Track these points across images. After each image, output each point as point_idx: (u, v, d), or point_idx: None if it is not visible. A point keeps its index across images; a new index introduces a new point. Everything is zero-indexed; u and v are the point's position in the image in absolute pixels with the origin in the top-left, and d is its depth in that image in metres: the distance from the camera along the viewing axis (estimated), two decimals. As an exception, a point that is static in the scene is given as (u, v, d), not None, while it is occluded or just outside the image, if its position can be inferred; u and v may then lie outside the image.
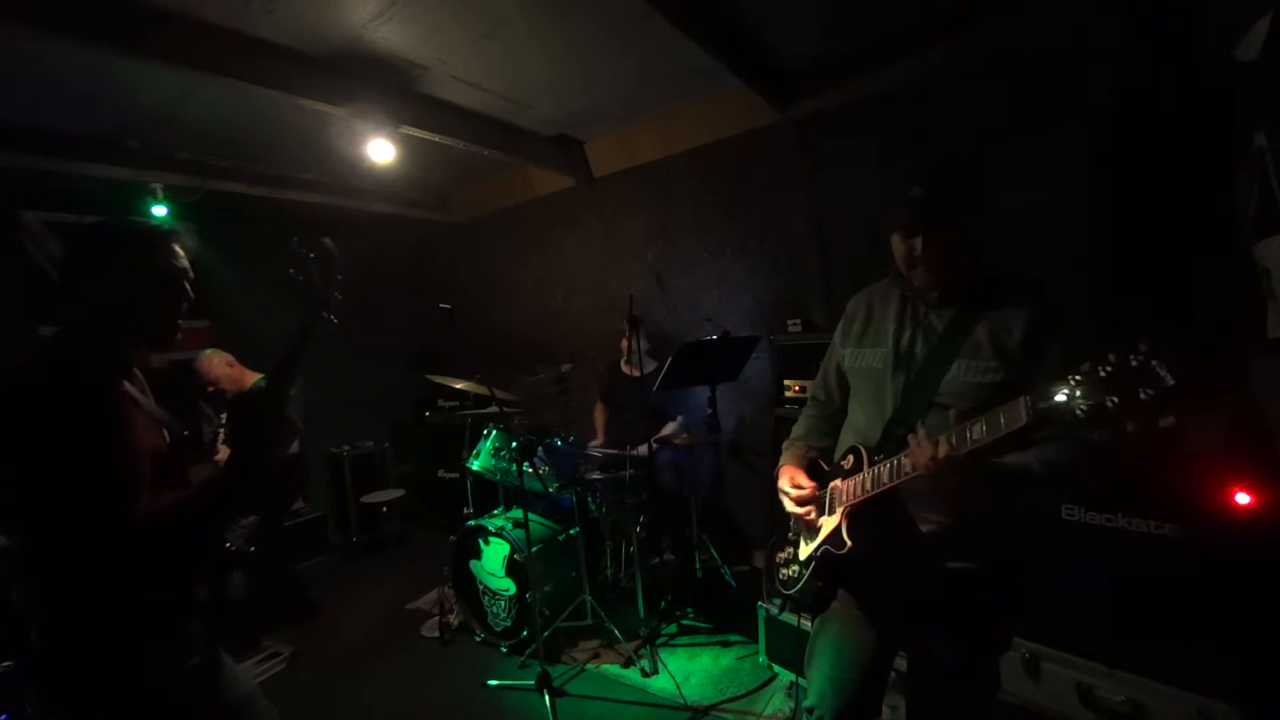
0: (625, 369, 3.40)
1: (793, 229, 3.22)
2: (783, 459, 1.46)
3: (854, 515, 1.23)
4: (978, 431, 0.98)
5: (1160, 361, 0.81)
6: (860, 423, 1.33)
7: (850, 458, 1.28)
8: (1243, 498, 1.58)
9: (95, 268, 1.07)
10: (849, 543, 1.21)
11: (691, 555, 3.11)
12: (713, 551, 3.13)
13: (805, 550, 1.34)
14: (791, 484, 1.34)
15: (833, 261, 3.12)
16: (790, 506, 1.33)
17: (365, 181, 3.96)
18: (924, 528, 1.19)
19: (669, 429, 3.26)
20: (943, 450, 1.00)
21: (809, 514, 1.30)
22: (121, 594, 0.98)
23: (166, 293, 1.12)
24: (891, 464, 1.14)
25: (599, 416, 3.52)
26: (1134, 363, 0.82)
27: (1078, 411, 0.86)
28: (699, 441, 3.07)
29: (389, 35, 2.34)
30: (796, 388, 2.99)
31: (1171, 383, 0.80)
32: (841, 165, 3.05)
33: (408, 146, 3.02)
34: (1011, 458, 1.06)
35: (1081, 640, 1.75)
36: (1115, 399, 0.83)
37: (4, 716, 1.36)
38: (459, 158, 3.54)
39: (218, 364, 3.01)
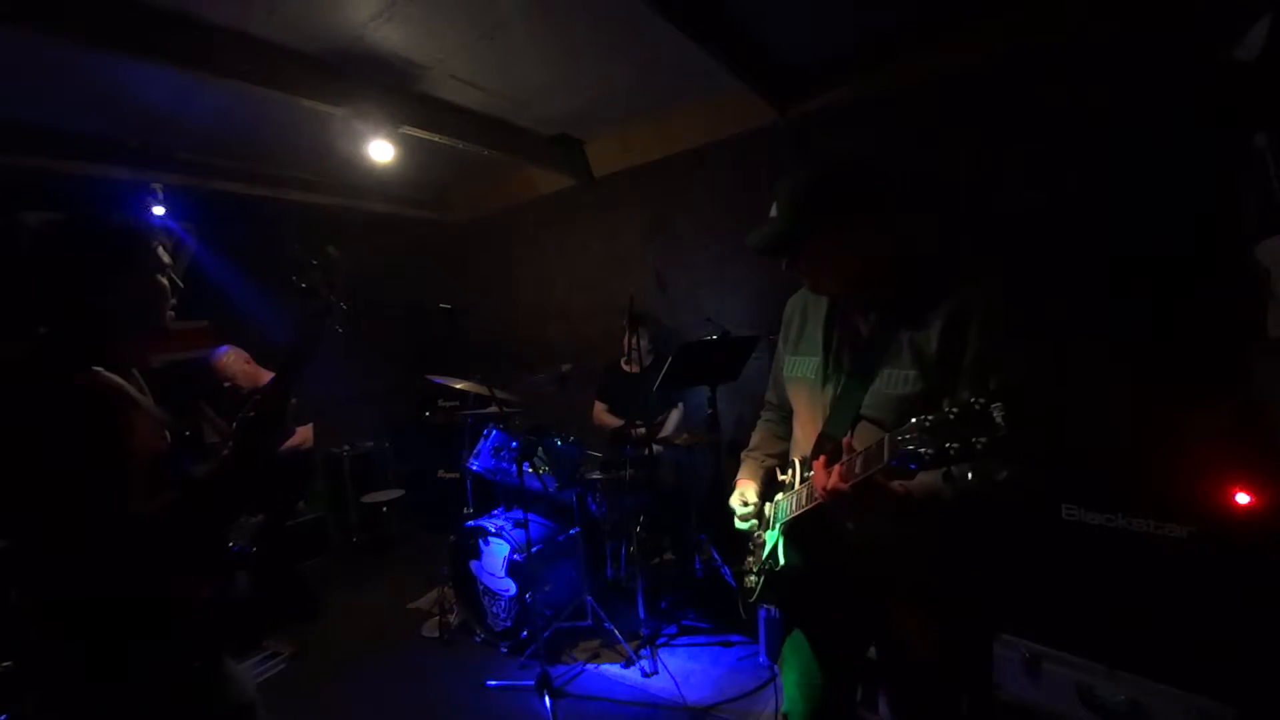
0: (625, 367, 3.40)
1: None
2: (740, 471, 1.46)
3: (791, 531, 1.22)
4: (859, 464, 0.96)
5: (1001, 408, 0.76)
6: (798, 435, 1.31)
7: (789, 472, 1.27)
8: (1243, 498, 1.58)
9: (65, 266, 1.05)
10: (781, 560, 1.22)
11: (691, 555, 3.11)
12: (713, 551, 3.13)
13: (758, 564, 1.35)
14: (739, 501, 1.36)
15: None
16: (739, 524, 1.35)
17: (365, 181, 3.96)
18: (857, 541, 1.17)
19: (671, 419, 3.26)
20: (832, 480, 1.00)
21: (755, 530, 1.32)
22: (122, 594, 0.98)
23: (143, 289, 1.11)
24: (809, 485, 1.14)
25: (600, 416, 3.52)
26: (976, 407, 0.78)
27: (923, 453, 0.82)
28: (699, 441, 3.06)
29: (389, 35, 2.34)
30: (796, 388, 2.99)
31: (1005, 432, 0.76)
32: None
33: (407, 146, 3.02)
34: (922, 479, 0.96)
35: (1081, 640, 1.75)
36: (954, 445, 0.80)
37: (4, 717, 1.36)
38: (459, 158, 3.54)
39: (235, 361, 3.05)
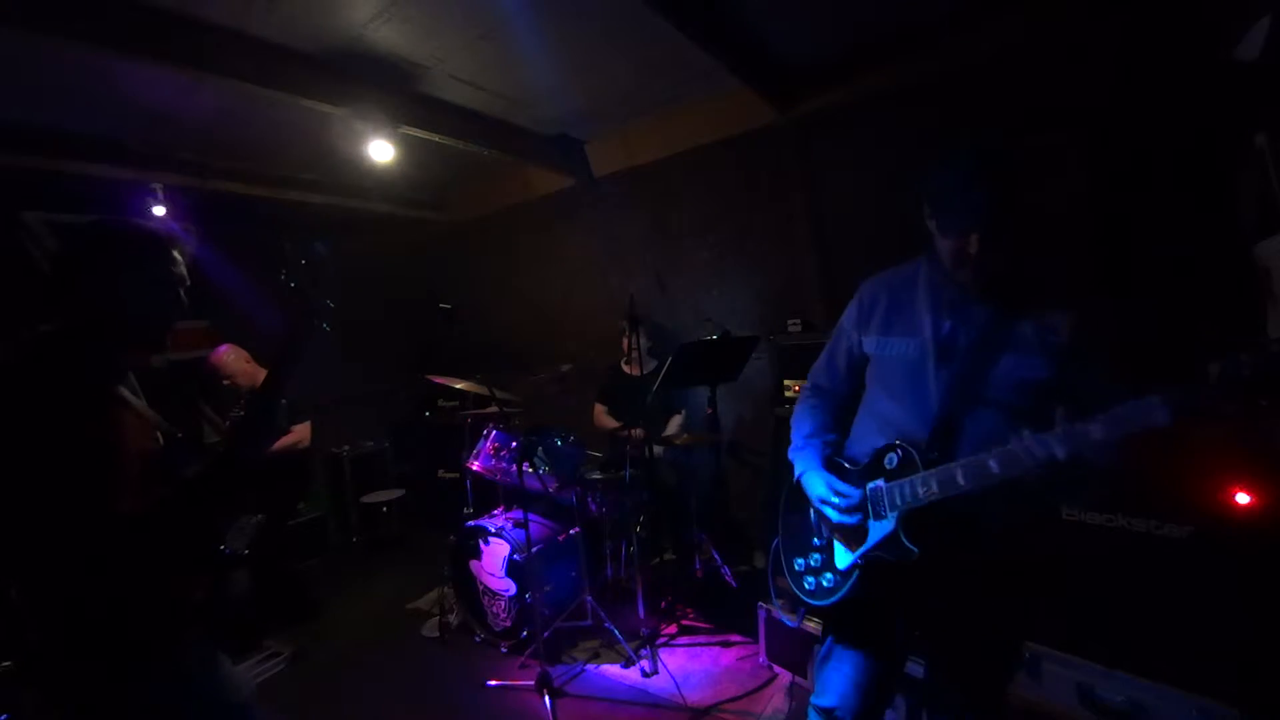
0: (625, 369, 3.40)
1: (793, 229, 3.22)
2: (803, 462, 1.39)
3: (911, 518, 1.18)
4: (1098, 431, 0.98)
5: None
6: (894, 415, 1.27)
7: (893, 456, 1.22)
8: (1243, 498, 1.57)
9: (91, 268, 1.07)
10: (914, 548, 1.16)
11: (691, 555, 3.11)
12: (713, 551, 3.13)
13: (844, 558, 1.29)
14: (830, 491, 1.28)
15: (833, 261, 3.12)
16: (835, 516, 1.27)
17: (365, 181, 3.96)
18: (989, 524, 1.17)
19: (671, 424, 3.26)
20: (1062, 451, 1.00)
21: (856, 521, 1.24)
22: (115, 594, 0.98)
23: (161, 298, 1.13)
24: (968, 465, 1.09)
25: (600, 419, 3.52)
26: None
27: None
28: (699, 441, 3.06)
29: (389, 35, 2.34)
30: (796, 388, 2.99)
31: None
32: (841, 165, 3.04)
33: (408, 146, 3.02)
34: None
35: (1081, 640, 1.75)
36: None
37: (4, 717, 1.36)
38: (459, 158, 3.54)
39: (235, 360, 3.05)
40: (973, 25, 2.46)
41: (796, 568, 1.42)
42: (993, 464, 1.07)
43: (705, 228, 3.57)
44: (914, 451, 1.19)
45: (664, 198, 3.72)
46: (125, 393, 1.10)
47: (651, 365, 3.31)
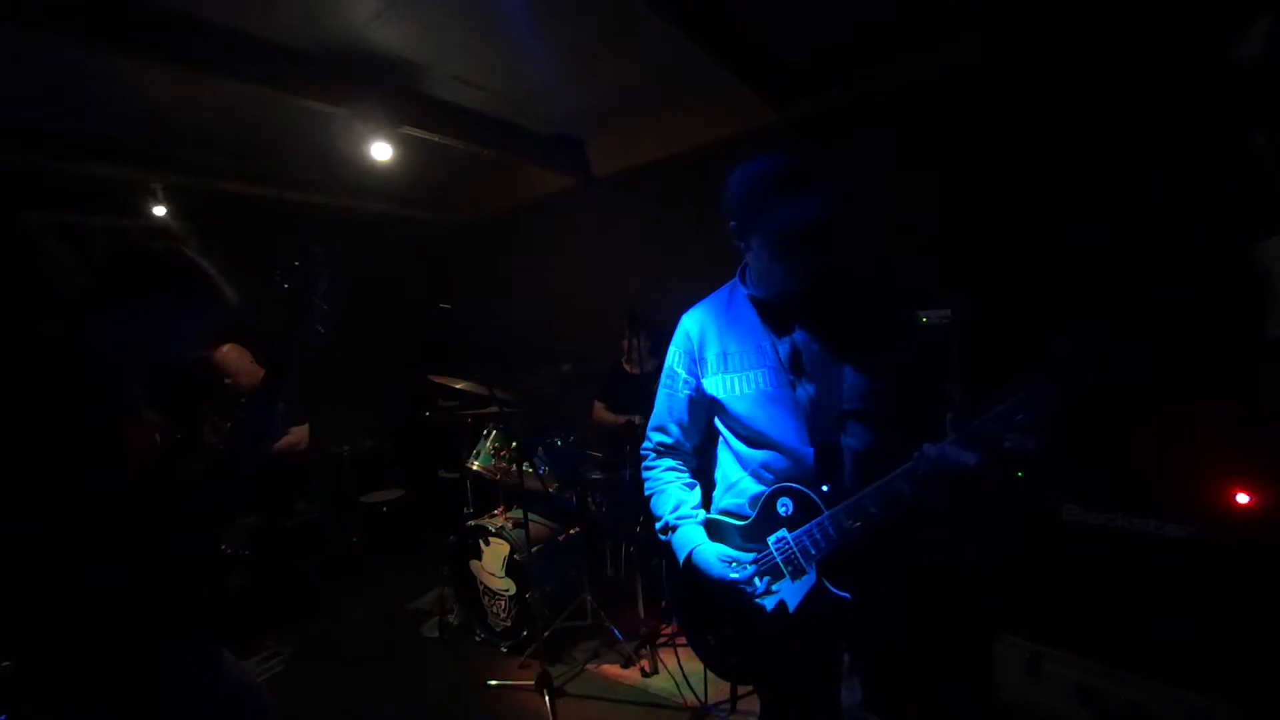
0: (626, 367, 3.39)
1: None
2: (685, 541, 1.22)
3: (829, 563, 1.10)
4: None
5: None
6: (765, 456, 1.17)
7: (786, 501, 1.12)
8: (1243, 498, 1.58)
9: (141, 293, 1.08)
10: (845, 595, 1.08)
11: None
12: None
13: (741, 621, 1.19)
14: (728, 562, 1.16)
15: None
16: (748, 589, 1.14)
17: (365, 181, 3.96)
18: (907, 537, 1.13)
19: None
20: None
21: (770, 586, 1.14)
22: (114, 593, 0.98)
23: (193, 336, 1.16)
24: (878, 493, 1.03)
25: (600, 415, 3.51)
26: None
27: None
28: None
29: (389, 35, 2.34)
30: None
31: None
32: (841, 165, 3.04)
33: (408, 146, 3.02)
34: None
35: (1081, 640, 1.75)
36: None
37: (3, 717, 1.36)
38: (459, 158, 3.54)
39: (237, 358, 3.05)
40: (972, 25, 2.45)
41: (711, 646, 1.27)
42: (901, 485, 1.02)
43: (705, 228, 3.56)
44: (807, 491, 1.10)
45: (664, 198, 3.72)
46: (126, 393, 1.10)
47: (652, 365, 3.31)
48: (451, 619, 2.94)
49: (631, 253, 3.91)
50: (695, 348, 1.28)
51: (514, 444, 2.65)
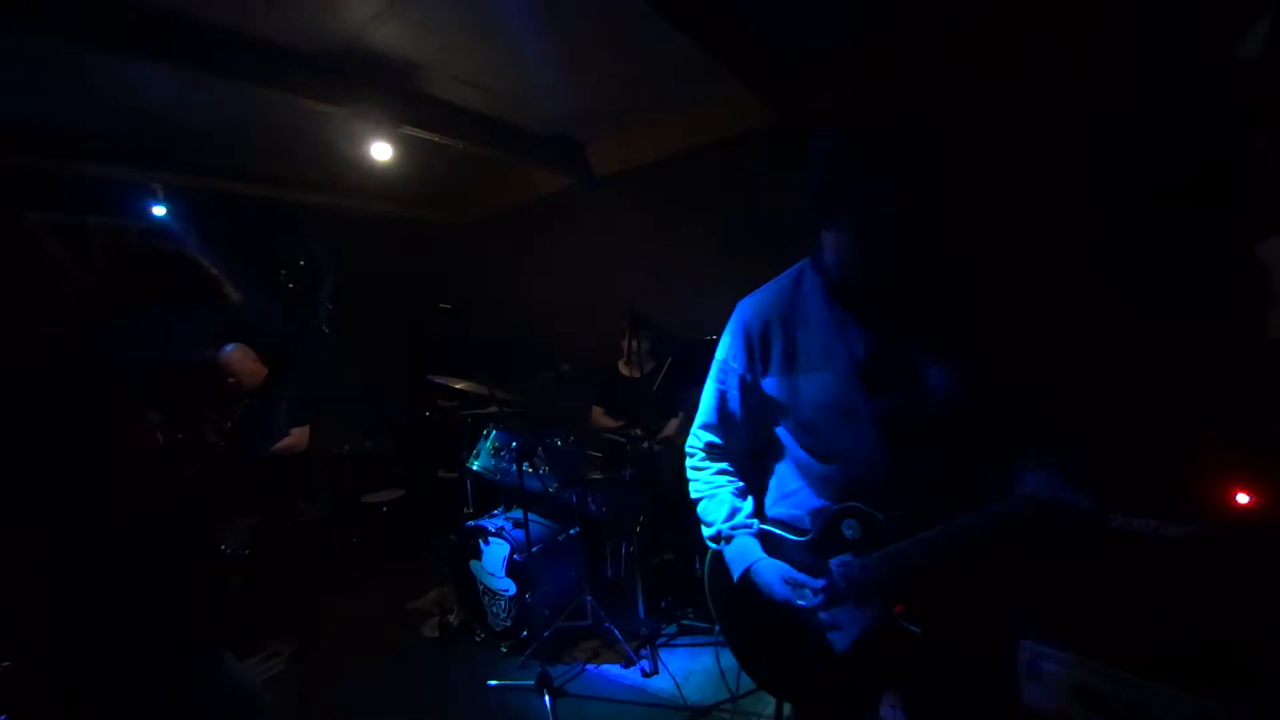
0: (624, 369, 3.39)
1: (792, 229, 3.22)
2: (742, 555, 1.12)
3: (898, 595, 1.00)
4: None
5: None
6: (829, 470, 1.06)
7: (851, 524, 1.02)
8: (1243, 498, 1.58)
9: (144, 295, 1.09)
10: (915, 629, 0.97)
11: (691, 555, 3.11)
12: (713, 551, 3.13)
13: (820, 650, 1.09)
14: (793, 584, 1.05)
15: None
16: (813, 618, 1.04)
17: (365, 181, 3.97)
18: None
19: (670, 425, 3.26)
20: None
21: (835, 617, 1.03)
22: (114, 593, 0.98)
23: (196, 338, 1.17)
24: (964, 528, 0.92)
25: (598, 419, 3.52)
26: None
27: None
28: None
29: (389, 35, 2.34)
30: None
31: None
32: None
33: (408, 146, 3.02)
34: None
35: (1081, 640, 1.75)
36: None
37: (3, 717, 1.36)
38: (459, 158, 3.54)
39: (241, 358, 3.05)
40: (972, 24, 2.46)
41: (760, 662, 1.21)
42: (990, 530, 0.92)
43: (705, 228, 3.57)
44: (878, 515, 1.00)
45: (664, 198, 3.72)
46: (128, 394, 1.10)
47: (651, 366, 3.31)
48: (451, 619, 2.94)
49: (631, 253, 3.91)
50: (755, 341, 1.13)
51: (514, 444, 2.65)
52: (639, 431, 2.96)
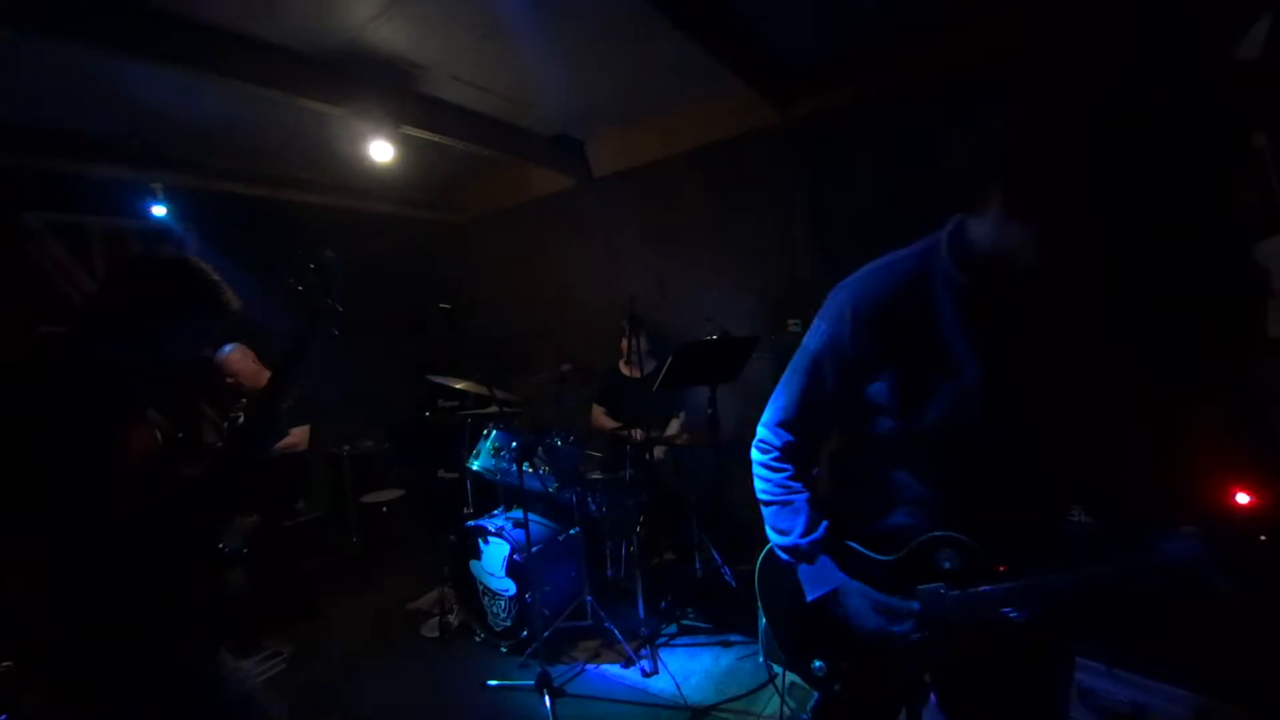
0: (624, 369, 3.40)
1: (793, 229, 3.22)
2: (832, 577, 1.03)
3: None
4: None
5: None
6: (928, 492, 0.97)
7: (948, 554, 0.95)
8: (1243, 498, 1.57)
9: (146, 299, 1.09)
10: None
11: (691, 555, 3.11)
12: (713, 551, 3.13)
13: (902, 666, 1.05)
14: (891, 611, 0.97)
15: (833, 262, 3.12)
16: (900, 642, 0.97)
17: (365, 181, 3.97)
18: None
19: (671, 425, 3.26)
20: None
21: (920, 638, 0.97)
22: (115, 593, 0.98)
23: (197, 342, 1.17)
24: (1077, 583, 0.86)
25: (599, 420, 3.52)
26: None
27: None
28: (699, 441, 3.06)
29: (389, 35, 2.34)
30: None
31: None
32: (841, 165, 3.05)
33: (408, 146, 3.02)
34: None
35: (1081, 640, 1.75)
36: None
37: (3, 717, 1.36)
38: (459, 158, 3.54)
39: (241, 359, 3.04)
40: (972, 25, 2.46)
41: (816, 669, 1.13)
42: (1105, 586, 0.86)
43: (705, 228, 3.57)
44: (979, 553, 0.92)
45: (664, 198, 3.72)
46: (129, 394, 1.10)
47: (651, 366, 3.31)
48: (451, 619, 2.94)
49: (631, 253, 3.91)
50: (867, 335, 0.96)
51: (514, 444, 2.65)
52: (639, 431, 2.96)
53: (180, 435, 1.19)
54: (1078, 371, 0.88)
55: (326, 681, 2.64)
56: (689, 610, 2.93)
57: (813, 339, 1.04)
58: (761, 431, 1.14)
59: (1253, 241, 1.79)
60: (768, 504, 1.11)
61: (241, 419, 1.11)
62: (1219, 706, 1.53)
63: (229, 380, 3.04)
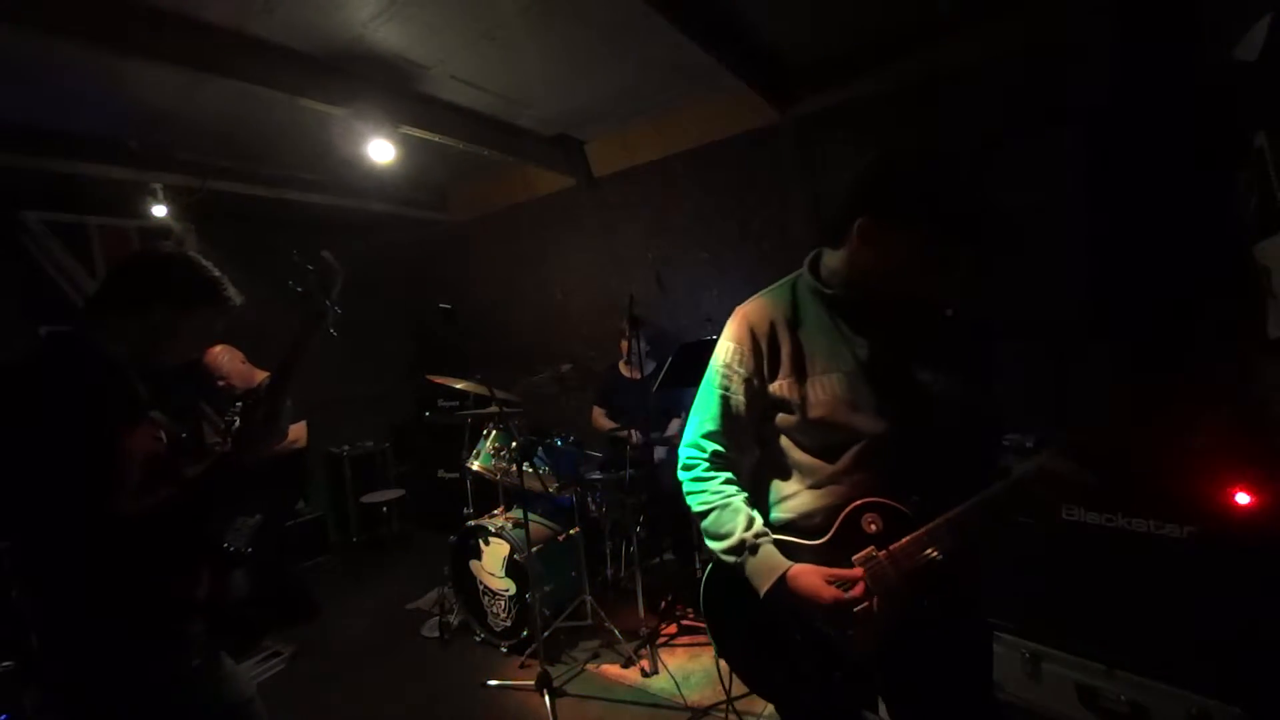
0: (624, 370, 3.40)
1: (793, 229, 3.22)
2: (781, 563, 1.08)
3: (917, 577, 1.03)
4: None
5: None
6: (844, 469, 1.07)
7: (874, 517, 1.05)
8: (1243, 498, 1.57)
9: (147, 297, 1.10)
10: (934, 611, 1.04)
11: (691, 555, 3.11)
12: (713, 551, 3.13)
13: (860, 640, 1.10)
14: (833, 582, 1.04)
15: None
16: (845, 605, 1.03)
17: (365, 181, 3.96)
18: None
19: (671, 426, 3.26)
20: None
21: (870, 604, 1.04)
22: (117, 593, 0.98)
23: (198, 340, 1.18)
24: (984, 504, 0.98)
25: (599, 421, 3.52)
26: None
27: None
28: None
29: (389, 35, 2.34)
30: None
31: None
32: (841, 165, 3.04)
33: (408, 146, 3.01)
34: None
35: (1081, 640, 1.75)
36: None
37: (4, 717, 1.36)
38: (459, 158, 3.54)
39: (229, 360, 3.03)
40: (972, 25, 2.46)
41: (779, 683, 1.19)
42: (1004, 494, 0.99)
43: (705, 228, 3.57)
44: (899, 505, 1.03)
45: (664, 198, 3.72)
46: (133, 393, 1.10)
47: (651, 366, 3.31)
48: (451, 619, 2.94)
49: (631, 253, 3.91)
50: (762, 345, 1.13)
51: (514, 444, 2.65)
52: (637, 434, 2.96)
53: (184, 435, 1.19)
54: (917, 365, 1.08)
55: (326, 681, 2.64)
56: (689, 610, 2.94)
57: (720, 355, 1.19)
58: (685, 450, 1.24)
59: (1253, 241, 1.79)
60: (706, 512, 1.17)
61: (238, 421, 1.11)
62: (1220, 706, 1.53)
63: (220, 383, 3.02)
